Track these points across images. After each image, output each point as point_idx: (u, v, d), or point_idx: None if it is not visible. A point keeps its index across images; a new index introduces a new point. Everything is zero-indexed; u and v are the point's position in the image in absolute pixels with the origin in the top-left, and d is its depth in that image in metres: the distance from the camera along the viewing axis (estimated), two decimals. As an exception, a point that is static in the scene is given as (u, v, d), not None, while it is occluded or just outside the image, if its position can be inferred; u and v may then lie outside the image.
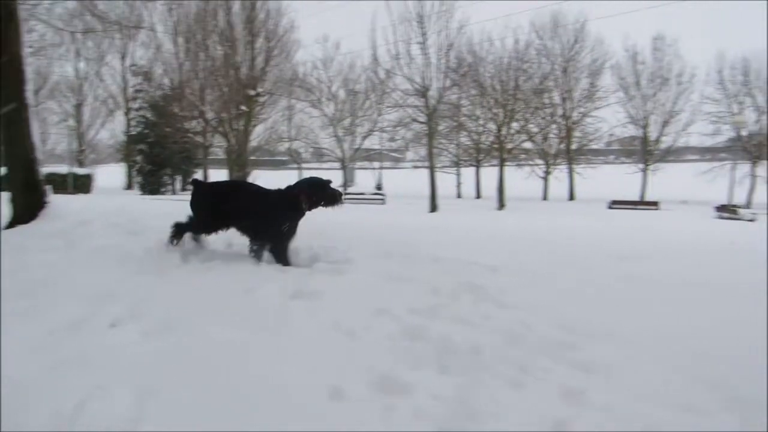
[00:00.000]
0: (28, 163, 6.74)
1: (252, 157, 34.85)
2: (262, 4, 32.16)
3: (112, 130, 48.83)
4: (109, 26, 17.44)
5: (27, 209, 6.57)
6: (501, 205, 31.70)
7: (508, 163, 35.45)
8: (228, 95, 30.28)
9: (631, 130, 46.51)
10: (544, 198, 44.65)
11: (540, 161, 44.76)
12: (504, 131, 32.62)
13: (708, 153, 49.92)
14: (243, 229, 5.00)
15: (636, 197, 41.57)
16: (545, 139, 42.89)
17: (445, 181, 40.36)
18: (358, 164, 47.97)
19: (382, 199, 33.52)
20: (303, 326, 3.05)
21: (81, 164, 43.01)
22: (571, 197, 45.69)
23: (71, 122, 44.13)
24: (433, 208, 28.05)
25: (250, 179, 32.16)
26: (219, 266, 4.46)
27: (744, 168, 40.48)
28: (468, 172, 49.07)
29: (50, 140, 46.18)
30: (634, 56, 44.24)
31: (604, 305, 4.18)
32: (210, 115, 31.64)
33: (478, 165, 45.31)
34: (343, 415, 2.11)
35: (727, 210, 30.93)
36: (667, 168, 44.75)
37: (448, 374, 2.58)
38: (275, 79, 33.75)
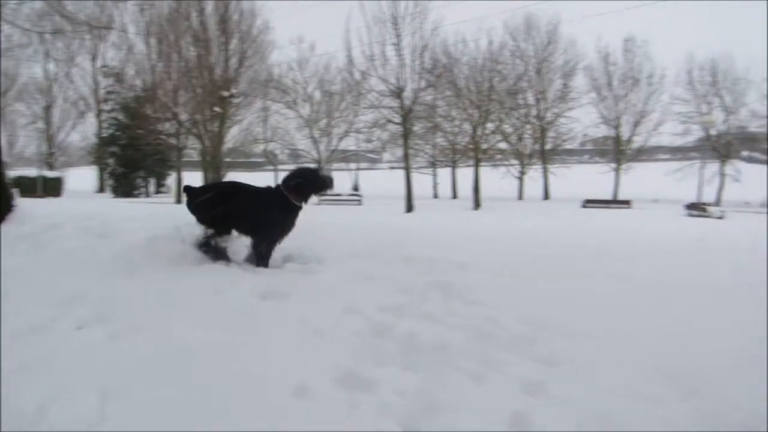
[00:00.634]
0: (-7, 166, 6.62)
1: (227, 159, 34.59)
2: (235, 5, 31.96)
3: (83, 132, 48.13)
4: (79, 27, 17.12)
5: (-8, 213, 6.44)
6: (477, 205, 31.98)
7: (483, 164, 35.79)
8: (202, 96, 30.01)
9: (604, 130, 47.39)
10: (520, 198, 45.19)
11: (515, 161, 45.27)
12: (479, 132, 32.92)
13: (678, 152, 51.07)
14: (241, 229, 4.99)
15: (609, 196, 42.28)
16: (520, 139, 43.39)
17: (422, 181, 40.59)
18: (335, 165, 47.88)
19: (358, 201, 33.54)
20: (271, 326, 3.07)
21: (51, 167, 42.31)
22: (546, 197, 46.31)
23: (40, 124, 43.28)
24: (410, 208, 28.15)
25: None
26: (190, 268, 4.45)
27: (713, 167, 41.48)
28: (444, 173, 49.43)
29: (19, 143, 45.30)
30: (605, 57, 45.12)
31: (571, 302, 4.25)
32: (183, 116, 31.29)
33: (454, 165, 45.68)
34: (307, 412, 2.14)
35: (697, 208, 31.65)
36: (639, 167, 45.64)
37: (413, 370, 2.62)
38: (250, 80, 33.58)
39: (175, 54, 30.81)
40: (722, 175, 41.66)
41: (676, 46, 45.05)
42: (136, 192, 41.65)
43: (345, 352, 2.75)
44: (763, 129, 41.17)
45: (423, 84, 29.54)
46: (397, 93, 28.48)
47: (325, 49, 39.11)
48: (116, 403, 2.10)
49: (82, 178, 45.99)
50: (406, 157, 30.47)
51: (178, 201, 30.66)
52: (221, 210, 4.75)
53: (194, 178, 32.38)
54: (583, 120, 45.82)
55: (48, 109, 44.95)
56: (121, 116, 40.39)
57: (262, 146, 42.82)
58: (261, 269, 4.59)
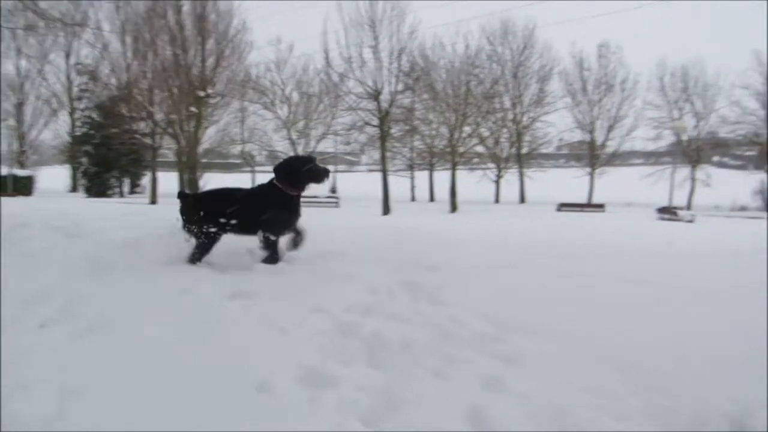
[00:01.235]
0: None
1: (203, 160, 34.27)
2: (213, 5, 31.72)
3: (55, 131, 47.27)
4: (52, 24, 16.85)
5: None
6: (453, 207, 32.16)
7: (460, 167, 36.04)
8: (178, 96, 29.69)
9: (579, 135, 48.07)
10: (496, 201, 45.59)
11: (492, 165, 45.68)
12: (456, 135, 33.10)
13: (651, 157, 52.06)
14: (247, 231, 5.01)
15: (584, 200, 42.86)
16: (496, 143, 43.85)
17: (400, 184, 40.69)
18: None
19: (336, 203, 33.48)
20: (237, 324, 3.09)
21: (22, 165, 41.46)
22: (522, 200, 46.82)
23: (11, 122, 42.40)
24: (386, 210, 28.18)
25: (202, 183, 31.64)
26: (160, 268, 4.44)
27: (684, 171, 42.35)
28: (422, 176, 49.60)
29: (-12, 140, 44.22)
30: (580, 63, 45.83)
31: (536, 301, 4.32)
32: (159, 116, 30.92)
33: (431, 168, 45.93)
34: (269, 407, 2.17)
35: (668, 212, 32.21)
36: (613, 171, 46.32)
37: (376, 368, 2.67)
38: (227, 80, 33.33)
39: (150, 53, 30.43)
40: (693, 179, 42.58)
41: (649, 52, 45.91)
42: (110, 192, 41.02)
43: (310, 351, 2.78)
44: (732, 135, 42.22)
45: (400, 87, 29.64)
46: (375, 95, 28.51)
47: (303, 50, 38.90)
48: (76, 401, 2.10)
49: (54, 177, 45.14)
50: (383, 160, 30.50)
51: (153, 201, 30.29)
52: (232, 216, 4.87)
53: (169, 179, 32.07)
54: (558, 124, 46.60)
55: (20, 106, 44.03)
56: (95, 115, 39.80)
57: (239, 147, 42.52)
58: (229, 269, 4.58)
